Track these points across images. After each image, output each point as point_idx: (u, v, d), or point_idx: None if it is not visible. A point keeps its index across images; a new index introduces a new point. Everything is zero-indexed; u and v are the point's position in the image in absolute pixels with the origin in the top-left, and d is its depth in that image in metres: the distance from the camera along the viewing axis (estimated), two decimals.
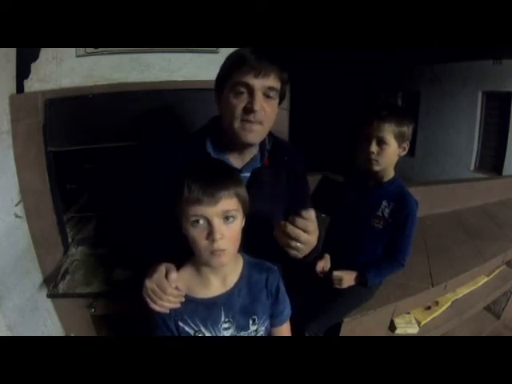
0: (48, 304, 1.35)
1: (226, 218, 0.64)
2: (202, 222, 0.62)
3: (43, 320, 1.34)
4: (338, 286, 1.18)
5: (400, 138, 1.06)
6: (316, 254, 0.80)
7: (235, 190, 0.64)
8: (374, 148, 1.06)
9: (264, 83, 0.74)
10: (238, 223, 0.66)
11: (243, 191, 0.67)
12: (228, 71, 0.76)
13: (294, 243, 0.68)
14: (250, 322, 0.72)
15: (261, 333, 0.75)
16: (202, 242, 0.63)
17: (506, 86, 4.63)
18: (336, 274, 1.17)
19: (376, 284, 1.24)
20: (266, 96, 0.75)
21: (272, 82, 0.75)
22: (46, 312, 1.36)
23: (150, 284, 0.69)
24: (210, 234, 0.62)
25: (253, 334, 0.74)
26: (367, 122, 1.07)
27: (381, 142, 1.05)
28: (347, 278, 1.17)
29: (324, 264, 1.21)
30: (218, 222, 0.62)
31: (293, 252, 0.71)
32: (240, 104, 0.74)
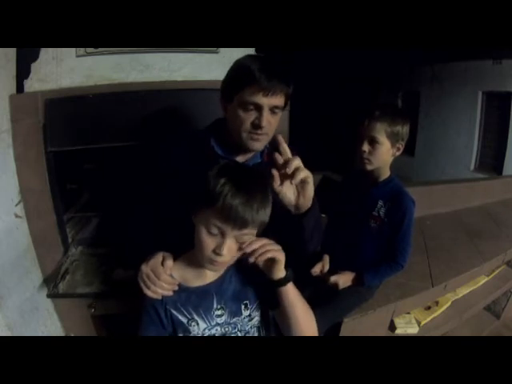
0: (48, 304, 1.35)
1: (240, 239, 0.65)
2: (217, 235, 0.63)
3: (43, 320, 1.34)
4: (334, 288, 1.17)
5: (393, 137, 1.05)
6: (317, 219, 0.82)
7: (262, 221, 0.64)
8: (365, 147, 1.06)
9: (272, 102, 0.79)
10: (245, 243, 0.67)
11: (267, 218, 0.66)
12: (237, 85, 0.80)
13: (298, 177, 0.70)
14: (243, 307, 0.74)
15: (255, 318, 0.76)
16: (208, 250, 0.64)
17: (506, 85, 4.61)
18: (332, 279, 1.16)
19: (375, 284, 1.24)
20: (272, 112, 0.81)
21: (278, 100, 0.80)
22: (46, 312, 1.36)
23: (145, 269, 0.71)
24: (218, 248, 0.63)
25: (246, 320, 0.74)
26: (360, 122, 1.07)
27: (373, 142, 1.05)
28: (343, 281, 1.17)
29: (322, 266, 1.21)
30: (230, 242, 0.63)
31: (303, 192, 0.74)
32: (248, 119, 0.80)
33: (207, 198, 0.62)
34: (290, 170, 0.69)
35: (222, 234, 0.63)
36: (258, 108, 0.78)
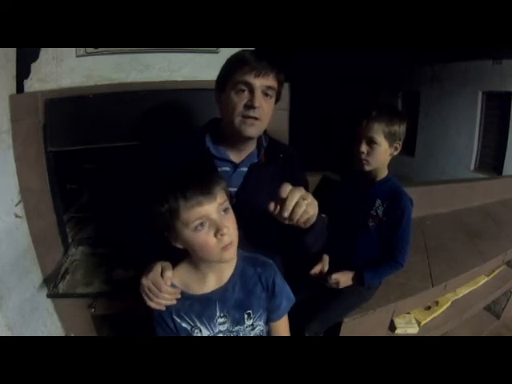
0: (48, 304, 1.35)
1: (224, 210, 0.65)
2: (205, 222, 0.63)
3: (43, 320, 1.34)
4: (334, 287, 1.17)
5: (391, 137, 1.05)
6: (320, 230, 0.80)
7: (223, 183, 0.67)
8: (364, 148, 1.06)
9: (263, 82, 0.80)
10: (232, 212, 0.68)
11: (225, 183, 0.69)
12: (230, 71, 0.81)
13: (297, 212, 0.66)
14: (245, 316, 0.73)
15: (258, 327, 0.75)
16: (211, 241, 0.64)
17: (506, 86, 4.62)
18: (334, 277, 1.16)
19: (375, 284, 1.24)
20: (265, 94, 0.81)
21: (271, 81, 0.81)
22: (46, 312, 1.36)
23: (145, 282, 0.71)
24: (218, 231, 0.63)
25: (248, 329, 0.74)
26: (358, 123, 1.07)
27: (371, 142, 1.05)
28: (344, 280, 1.17)
29: (322, 267, 1.20)
30: (219, 217, 0.64)
31: (303, 218, 0.69)
32: (241, 101, 0.80)
33: (167, 211, 0.63)
34: (300, 222, 0.67)
35: (209, 219, 0.63)
36: (251, 89, 0.79)
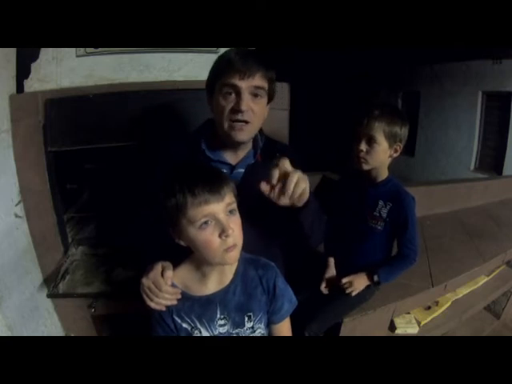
0: (48, 304, 1.35)
1: (230, 211, 0.65)
2: (210, 222, 0.63)
3: (43, 320, 1.34)
4: (351, 291, 1.14)
5: (391, 138, 1.04)
6: (316, 210, 0.80)
7: (232, 184, 0.66)
8: (363, 146, 1.05)
9: (250, 84, 0.77)
10: (238, 215, 0.67)
11: (233, 184, 0.69)
12: (216, 74, 0.80)
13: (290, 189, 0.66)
14: (246, 318, 0.73)
15: (258, 330, 0.75)
16: (215, 242, 0.63)
17: (506, 86, 4.62)
18: (346, 280, 1.14)
19: (390, 281, 1.20)
20: (254, 95, 0.79)
21: (258, 81, 0.78)
22: (46, 312, 1.36)
23: (146, 281, 0.71)
24: (223, 232, 0.62)
25: (248, 331, 0.74)
26: (359, 121, 1.06)
27: (370, 141, 1.04)
28: (358, 282, 1.15)
29: (330, 273, 1.19)
30: (225, 218, 0.63)
31: (297, 197, 0.68)
32: (228, 105, 0.78)
33: (175, 207, 0.62)
34: (292, 195, 0.67)
35: (214, 219, 0.62)
36: (237, 92, 0.77)
